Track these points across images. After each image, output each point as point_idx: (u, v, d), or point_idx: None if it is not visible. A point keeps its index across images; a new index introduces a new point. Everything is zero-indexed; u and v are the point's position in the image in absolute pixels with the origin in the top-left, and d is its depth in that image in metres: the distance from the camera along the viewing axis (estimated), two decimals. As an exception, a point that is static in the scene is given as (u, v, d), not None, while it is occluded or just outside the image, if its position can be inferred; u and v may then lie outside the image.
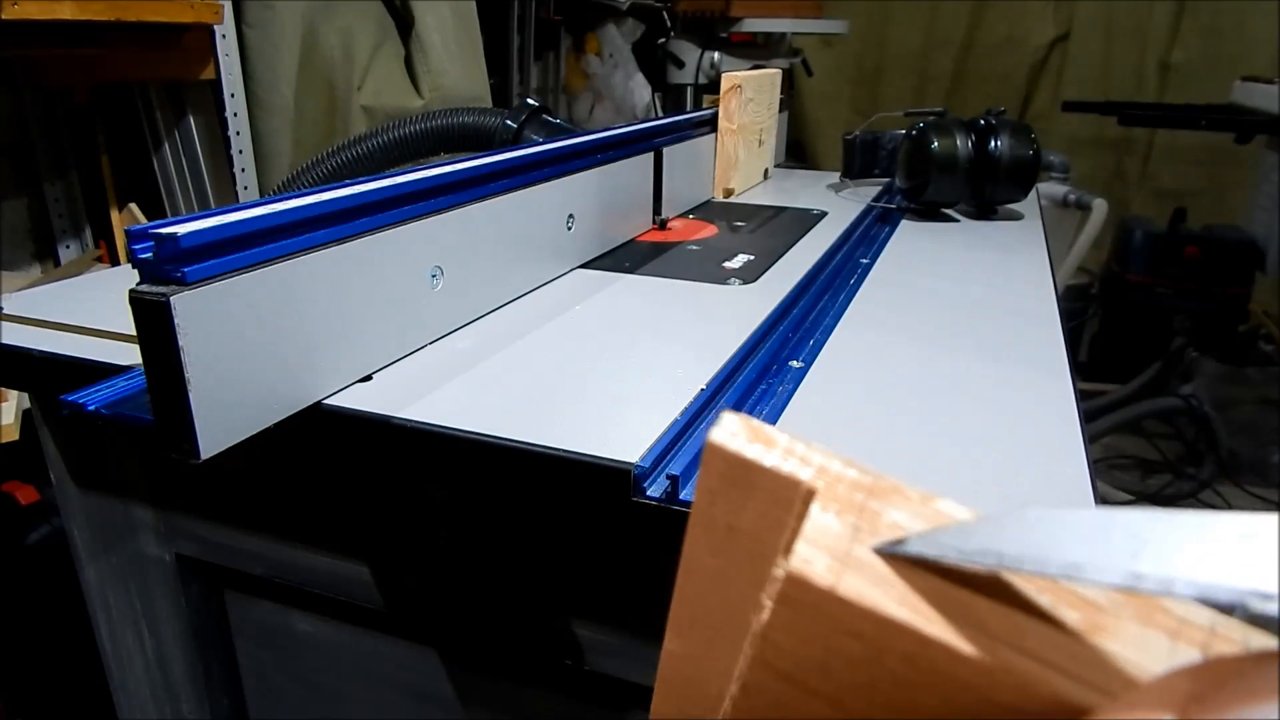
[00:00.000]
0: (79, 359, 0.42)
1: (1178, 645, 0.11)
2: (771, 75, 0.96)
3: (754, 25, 2.10)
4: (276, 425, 0.35)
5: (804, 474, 0.13)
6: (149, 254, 0.30)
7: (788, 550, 0.12)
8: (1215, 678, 0.09)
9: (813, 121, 3.01)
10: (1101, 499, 0.33)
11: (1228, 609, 0.09)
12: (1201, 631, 0.11)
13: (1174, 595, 0.09)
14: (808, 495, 0.12)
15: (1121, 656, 0.11)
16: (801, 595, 0.12)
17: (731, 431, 0.13)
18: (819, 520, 0.12)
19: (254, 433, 0.34)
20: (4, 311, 0.47)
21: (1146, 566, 0.09)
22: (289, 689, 0.54)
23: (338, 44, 1.37)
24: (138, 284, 0.30)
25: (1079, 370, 2.21)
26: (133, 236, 0.30)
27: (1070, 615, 0.11)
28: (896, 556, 0.12)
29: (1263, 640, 0.11)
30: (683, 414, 0.36)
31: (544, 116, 0.81)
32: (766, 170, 0.99)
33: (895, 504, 0.12)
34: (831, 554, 0.12)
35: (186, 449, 0.31)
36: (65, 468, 0.52)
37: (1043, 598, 0.11)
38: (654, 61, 2.25)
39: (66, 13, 0.87)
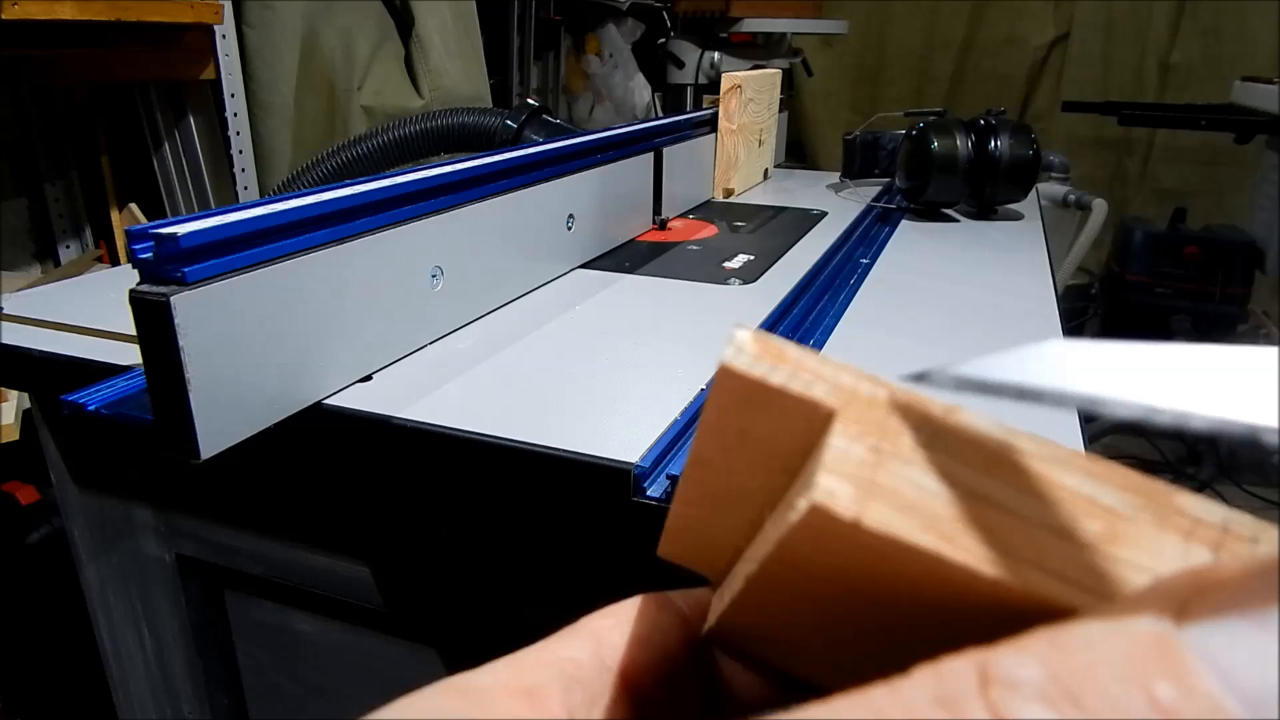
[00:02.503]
0: (79, 359, 0.42)
1: (1191, 546, 0.11)
2: (771, 75, 0.96)
3: (754, 25, 2.10)
4: (276, 425, 0.35)
5: (821, 394, 0.12)
6: (149, 254, 0.30)
7: (805, 473, 0.12)
8: (1213, 583, 0.09)
9: (813, 121, 3.01)
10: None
11: (1241, 443, 0.09)
12: (1214, 530, 0.11)
13: (1189, 429, 0.10)
14: (827, 416, 0.12)
15: (1134, 565, 0.11)
16: (824, 524, 0.12)
17: (743, 349, 0.12)
18: (839, 446, 0.12)
19: (254, 433, 0.34)
20: (4, 311, 0.47)
21: (1163, 400, 0.10)
22: (289, 689, 0.54)
23: (338, 44, 1.37)
24: (138, 284, 0.30)
25: (1079, 370, 2.19)
26: (133, 236, 0.30)
27: (1090, 526, 0.11)
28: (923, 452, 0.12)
29: (1270, 535, 0.11)
30: (683, 414, 0.36)
31: (544, 116, 0.81)
32: (766, 170, 0.99)
33: (918, 421, 0.12)
34: (855, 482, 0.12)
35: (186, 449, 0.31)
36: (65, 468, 0.52)
37: (1063, 511, 0.12)
38: (654, 61, 2.25)
39: (66, 13, 0.87)
